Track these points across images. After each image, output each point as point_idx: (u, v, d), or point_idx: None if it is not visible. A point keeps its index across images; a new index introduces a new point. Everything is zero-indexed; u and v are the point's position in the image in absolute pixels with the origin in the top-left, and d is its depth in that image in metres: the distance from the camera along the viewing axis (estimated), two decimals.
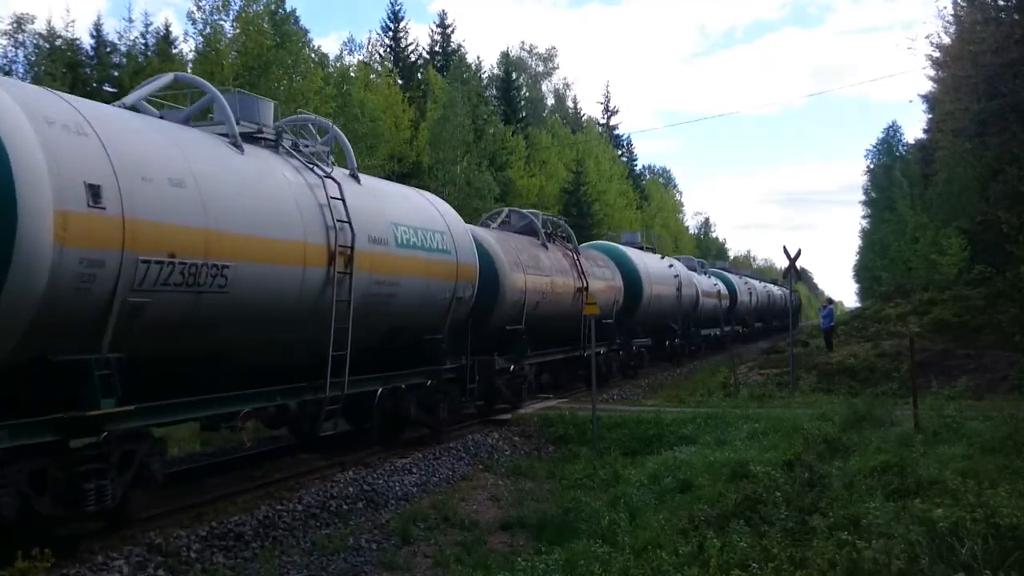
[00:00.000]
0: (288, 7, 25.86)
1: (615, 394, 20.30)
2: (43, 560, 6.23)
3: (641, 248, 26.64)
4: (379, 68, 36.98)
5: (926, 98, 37.36)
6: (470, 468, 12.35)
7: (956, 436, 10.43)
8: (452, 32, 46.33)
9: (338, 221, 9.75)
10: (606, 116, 65.98)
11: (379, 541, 8.78)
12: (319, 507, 9.45)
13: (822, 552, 5.82)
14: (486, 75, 48.84)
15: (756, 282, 49.65)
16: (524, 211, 19.58)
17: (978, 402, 14.41)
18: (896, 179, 54.27)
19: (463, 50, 45.32)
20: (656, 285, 24.45)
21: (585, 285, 18.70)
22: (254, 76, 23.52)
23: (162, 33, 33.62)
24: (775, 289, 56.11)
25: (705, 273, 35.25)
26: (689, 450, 11.96)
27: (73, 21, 46.72)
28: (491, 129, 36.96)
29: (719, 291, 35.50)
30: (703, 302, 31.31)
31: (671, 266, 27.43)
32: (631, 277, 22.83)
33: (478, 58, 72.36)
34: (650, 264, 24.95)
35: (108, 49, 32.14)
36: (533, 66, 59.96)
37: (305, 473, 10.75)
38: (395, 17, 42.51)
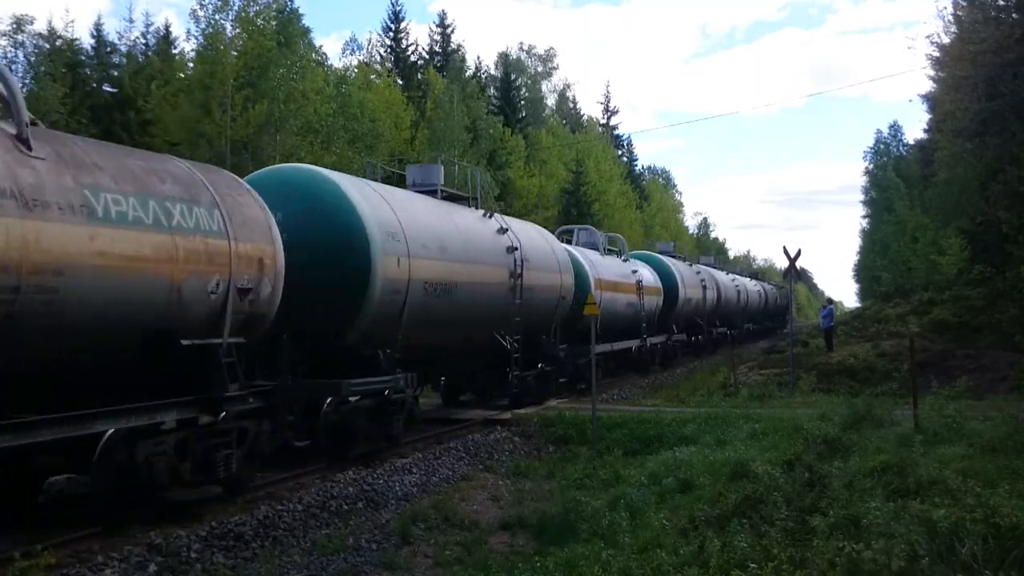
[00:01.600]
0: (293, 5, 25.97)
1: (615, 394, 20.32)
2: (43, 559, 6.25)
3: (435, 193, 14.98)
4: (379, 68, 37.01)
5: (926, 98, 37.30)
6: (470, 468, 12.35)
7: (956, 436, 10.41)
8: (452, 32, 46.43)
9: None
10: (606, 116, 66.18)
11: (379, 541, 8.78)
12: (319, 507, 9.45)
13: (822, 552, 5.81)
14: (485, 75, 48.90)
15: (721, 274, 38.39)
16: None
17: (978, 402, 14.37)
18: (892, 180, 54.17)
19: (463, 50, 45.46)
20: (432, 262, 12.74)
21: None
22: (254, 76, 23.53)
23: (162, 33, 33.66)
24: (751, 284, 46.63)
25: (620, 255, 25.08)
26: (689, 450, 11.95)
27: (73, 21, 46.75)
28: (489, 129, 36.97)
29: (640, 283, 23.91)
30: (604, 298, 20.16)
31: (504, 230, 15.81)
32: (354, 245, 11.30)
33: (478, 58, 72.58)
34: (431, 222, 13.48)
35: (108, 49, 32.14)
36: (532, 66, 59.98)
37: (305, 473, 10.76)
38: (395, 18, 42.55)
